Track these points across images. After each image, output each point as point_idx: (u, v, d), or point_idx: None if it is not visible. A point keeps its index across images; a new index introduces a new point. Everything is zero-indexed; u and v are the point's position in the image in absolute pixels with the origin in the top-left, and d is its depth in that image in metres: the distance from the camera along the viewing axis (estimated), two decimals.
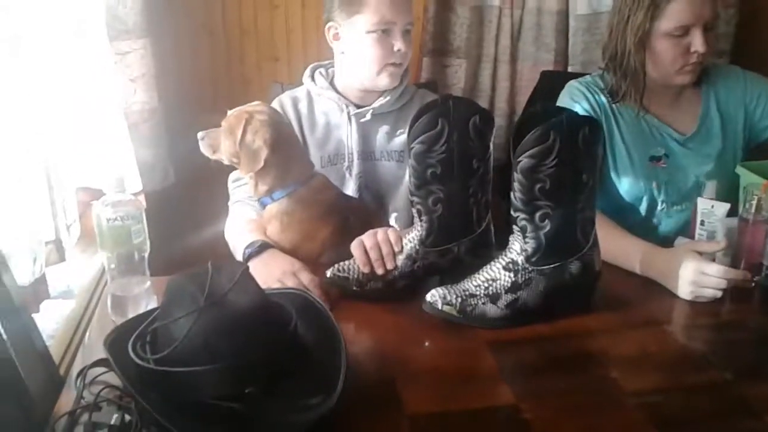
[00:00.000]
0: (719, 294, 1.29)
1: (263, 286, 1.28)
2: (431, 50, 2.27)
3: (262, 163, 1.40)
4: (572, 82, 1.73)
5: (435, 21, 2.24)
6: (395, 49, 1.56)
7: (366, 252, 1.31)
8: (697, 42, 1.54)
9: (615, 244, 1.42)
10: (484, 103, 2.32)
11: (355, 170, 1.64)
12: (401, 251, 1.31)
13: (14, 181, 1.32)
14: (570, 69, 2.28)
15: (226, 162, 1.47)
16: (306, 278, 1.32)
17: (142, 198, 1.80)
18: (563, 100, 1.70)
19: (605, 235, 1.31)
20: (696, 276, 1.30)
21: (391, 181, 1.66)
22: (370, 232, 1.34)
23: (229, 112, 1.45)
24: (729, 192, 1.56)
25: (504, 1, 2.25)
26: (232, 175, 1.59)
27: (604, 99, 1.68)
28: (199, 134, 1.47)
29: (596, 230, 1.26)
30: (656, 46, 1.58)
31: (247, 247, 1.40)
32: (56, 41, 1.61)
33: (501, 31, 2.29)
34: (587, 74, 1.78)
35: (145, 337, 0.99)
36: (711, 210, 1.40)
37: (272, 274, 1.33)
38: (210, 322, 0.93)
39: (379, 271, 1.30)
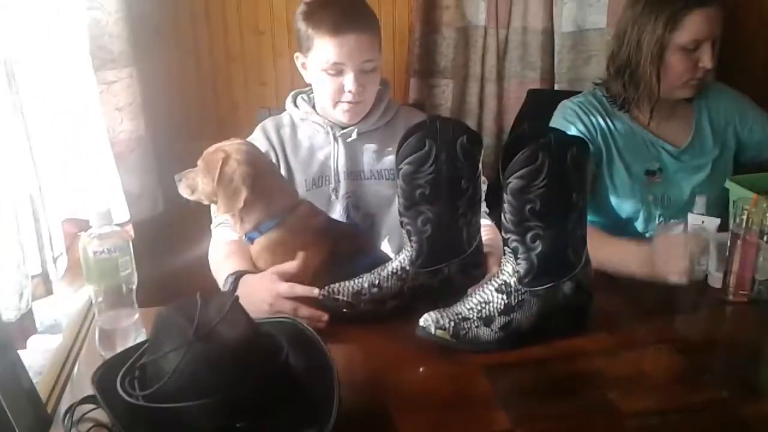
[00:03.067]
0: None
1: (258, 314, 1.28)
2: (418, 71, 2.27)
3: (241, 203, 1.38)
4: (565, 102, 1.75)
5: (421, 42, 2.25)
6: (346, 89, 1.56)
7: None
8: (705, 57, 1.59)
9: (609, 251, 1.45)
10: (472, 122, 2.33)
11: (341, 191, 1.64)
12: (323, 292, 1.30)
13: None
14: (557, 87, 2.29)
15: (206, 202, 1.45)
16: (283, 288, 1.29)
17: (130, 228, 1.79)
18: (557, 121, 1.71)
19: (600, 245, 1.31)
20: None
21: (381, 201, 1.66)
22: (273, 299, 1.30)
23: (205, 151, 1.43)
24: (721, 205, 1.58)
25: (489, 20, 2.27)
26: None
27: (599, 117, 1.69)
28: (176, 176, 1.46)
29: (588, 246, 1.26)
30: (668, 58, 1.62)
31: (232, 273, 1.38)
32: (40, 72, 1.60)
33: (487, 51, 2.30)
34: (575, 92, 1.80)
35: (133, 372, 0.97)
36: (702, 225, 1.39)
37: (263, 299, 1.30)
38: (199, 355, 0.91)
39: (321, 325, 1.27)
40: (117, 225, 1.22)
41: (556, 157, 1.14)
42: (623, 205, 1.68)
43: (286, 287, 1.30)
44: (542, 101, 1.87)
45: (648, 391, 1.10)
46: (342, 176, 1.64)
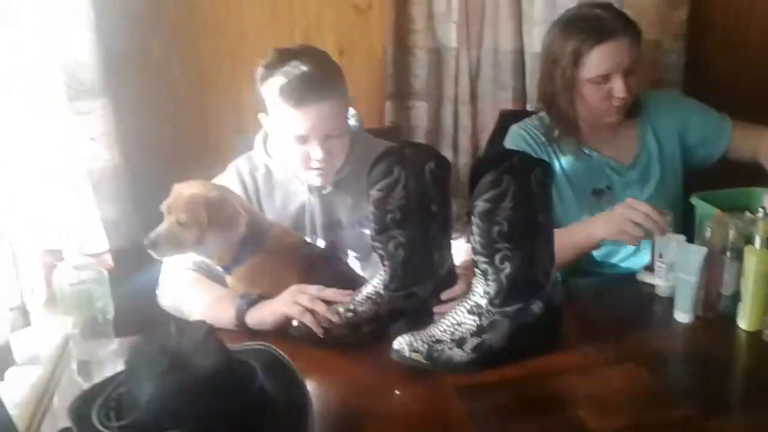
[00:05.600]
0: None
1: (278, 314, 1.32)
2: (392, 94, 2.30)
3: (243, 227, 1.39)
4: (513, 127, 1.79)
5: (394, 65, 2.28)
6: (312, 158, 1.49)
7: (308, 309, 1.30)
8: (617, 88, 1.61)
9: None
10: (447, 141, 2.36)
11: (320, 242, 1.61)
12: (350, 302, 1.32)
13: None
14: (529, 107, 2.32)
15: (198, 252, 1.42)
16: (312, 290, 1.33)
17: (108, 257, 1.79)
18: (507, 146, 1.74)
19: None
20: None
21: (362, 246, 1.61)
22: (300, 288, 1.33)
23: (170, 206, 1.38)
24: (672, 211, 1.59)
25: (461, 42, 2.30)
26: None
27: (544, 139, 1.73)
28: (147, 243, 1.35)
29: None
30: (582, 90, 1.65)
31: (241, 297, 1.37)
32: (13, 104, 1.61)
33: (460, 72, 2.33)
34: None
35: (109, 403, 0.97)
36: (668, 242, 1.42)
37: (284, 301, 1.32)
38: (174, 385, 0.92)
39: (319, 330, 1.29)
40: (94, 255, 1.24)
41: (521, 179, 1.17)
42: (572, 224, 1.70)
43: (316, 287, 1.33)
44: (514, 121, 1.90)
45: (617, 408, 1.12)
46: (319, 228, 1.60)
